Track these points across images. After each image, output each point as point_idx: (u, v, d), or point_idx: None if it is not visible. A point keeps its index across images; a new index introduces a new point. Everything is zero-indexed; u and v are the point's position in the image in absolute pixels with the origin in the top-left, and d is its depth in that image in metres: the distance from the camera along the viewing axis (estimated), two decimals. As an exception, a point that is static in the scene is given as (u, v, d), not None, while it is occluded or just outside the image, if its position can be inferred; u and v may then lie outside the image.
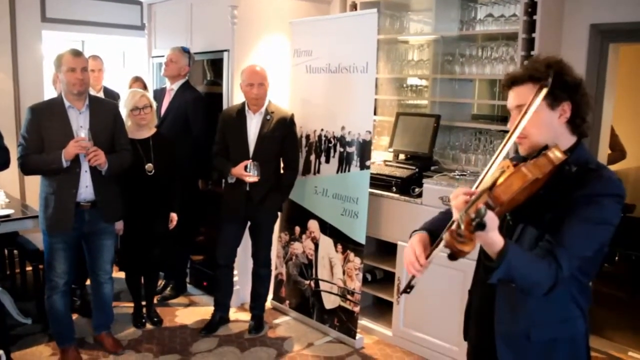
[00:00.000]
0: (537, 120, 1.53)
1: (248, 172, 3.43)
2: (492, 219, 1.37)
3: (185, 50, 4.06)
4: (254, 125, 3.55)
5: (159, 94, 4.21)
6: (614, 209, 1.51)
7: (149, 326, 3.82)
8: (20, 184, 4.66)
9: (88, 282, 3.58)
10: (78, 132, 3.00)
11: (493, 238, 1.41)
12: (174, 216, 3.66)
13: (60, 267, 3.14)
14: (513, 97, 1.60)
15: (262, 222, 3.66)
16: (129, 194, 3.46)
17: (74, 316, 3.62)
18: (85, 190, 3.08)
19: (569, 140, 1.59)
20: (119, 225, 3.44)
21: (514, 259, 1.41)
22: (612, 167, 4.67)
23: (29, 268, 4.05)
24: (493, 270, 1.43)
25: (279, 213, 3.87)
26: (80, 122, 3.07)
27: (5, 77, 4.60)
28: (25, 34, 4.67)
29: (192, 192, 4.14)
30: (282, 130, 3.57)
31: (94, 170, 3.07)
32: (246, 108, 3.57)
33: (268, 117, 3.56)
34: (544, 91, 1.51)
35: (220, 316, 3.83)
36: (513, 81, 1.60)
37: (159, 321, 3.86)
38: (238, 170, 3.45)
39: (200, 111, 3.99)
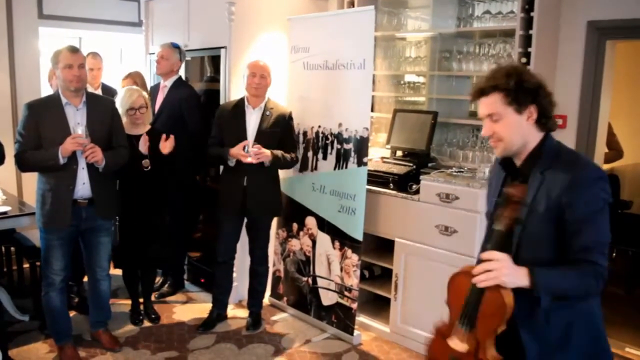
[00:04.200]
0: (507, 125, 1.71)
1: (246, 154, 3.39)
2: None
3: (175, 46, 4.07)
4: (253, 120, 3.54)
5: (154, 90, 4.21)
6: (604, 190, 1.65)
7: (146, 323, 3.82)
8: (18, 181, 4.65)
9: (85, 279, 3.57)
10: (75, 128, 2.99)
11: (516, 283, 1.63)
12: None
13: (57, 264, 3.13)
14: (483, 107, 1.75)
15: (260, 218, 3.66)
16: (126, 190, 3.46)
17: (71, 313, 3.62)
18: (83, 187, 3.08)
19: (537, 137, 1.75)
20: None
21: (546, 283, 1.61)
22: (609, 165, 4.68)
23: (26, 265, 4.04)
24: (539, 299, 1.62)
25: (277, 214, 3.86)
26: (77, 119, 3.06)
27: (1, 74, 4.58)
28: (22, 30, 4.65)
29: (189, 188, 4.14)
30: (280, 127, 3.56)
31: (91, 167, 3.07)
32: (246, 103, 3.56)
33: (267, 113, 3.55)
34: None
35: (218, 313, 3.83)
36: (480, 93, 1.74)
37: (157, 318, 3.86)
38: (236, 150, 3.40)
39: (195, 107, 3.99)
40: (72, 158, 3.01)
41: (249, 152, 3.37)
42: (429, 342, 1.92)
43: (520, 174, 1.77)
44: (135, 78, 4.30)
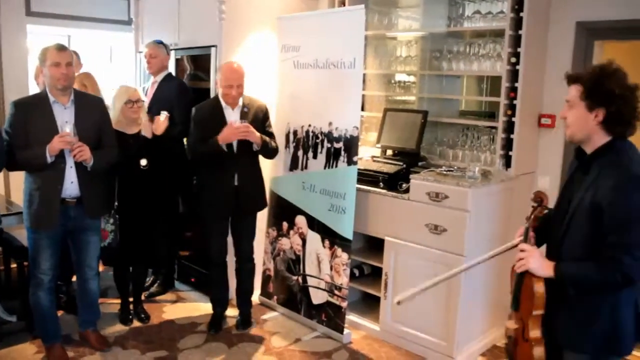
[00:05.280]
0: (576, 116, 1.89)
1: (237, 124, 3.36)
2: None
3: (159, 43, 4.10)
4: (233, 119, 3.48)
5: (145, 91, 4.21)
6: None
7: (136, 323, 3.79)
8: (5, 180, 4.61)
9: (74, 278, 3.55)
10: (63, 127, 2.96)
11: (542, 273, 1.92)
12: None
13: (45, 263, 3.11)
14: (569, 92, 1.92)
15: (248, 216, 3.65)
16: (125, 190, 3.45)
17: (60, 313, 3.59)
18: (71, 186, 3.05)
19: (603, 137, 1.89)
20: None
21: (568, 276, 1.87)
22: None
23: (13, 265, 4.00)
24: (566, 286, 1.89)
25: (264, 206, 3.84)
26: (65, 117, 3.03)
27: (-11, 72, 4.55)
28: (10, 28, 4.61)
29: (180, 186, 4.12)
30: (260, 121, 3.54)
31: (79, 166, 3.04)
32: (223, 104, 3.51)
33: (245, 109, 3.53)
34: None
35: (221, 311, 3.82)
36: (569, 79, 1.94)
37: (146, 318, 3.84)
38: (225, 131, 3.34)
39: (184, 98, 3.97)
40: (60, 157, 2.99)
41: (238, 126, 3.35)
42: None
43: (584, 165, 1.94)
44: (84, 80, 3.99)
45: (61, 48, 3.01)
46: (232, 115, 3.50)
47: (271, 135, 3.61)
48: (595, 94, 1.84)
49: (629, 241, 1.76)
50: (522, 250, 1.98)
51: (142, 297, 4.01)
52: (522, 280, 2.00)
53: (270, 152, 3.60)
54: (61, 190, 3.02)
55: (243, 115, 3.49)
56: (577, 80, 1.88)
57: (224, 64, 3.58)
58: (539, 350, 1.99)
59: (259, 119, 3.54)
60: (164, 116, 3.59)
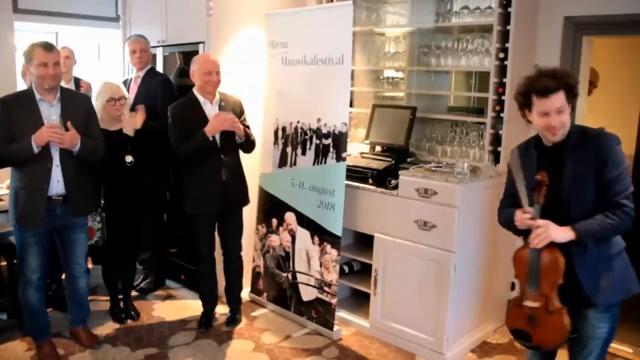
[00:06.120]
0: (567, 115, 2.18)
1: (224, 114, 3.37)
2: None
3: (144, 37, 4.14)
4: (213, 115, 3.46)
5: (126, 85, 4.19)
6: (621, 151, 2.16)
7: (127, 321, 3.79)
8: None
9: (64, 276, 3.54)
10: (49, 122, 2.96)
11: (563, 238, 2.12)
12: None
13: (33, 261, 3.10)
14: (553, 102, 2.14)
15: (234, 213, 3.65)
16: (111, 187, 3.44)
17: (49, 310, 3.58)
18: (57, 184, 3.04)
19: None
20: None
21: (585, 231, 2.10)
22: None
23: (3, 263, 3.99)
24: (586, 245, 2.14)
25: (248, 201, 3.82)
26: (52, 114, 3.02)
27: (-24, 69, 4.52)
28: (-3, 25, 4.59)
29: (167, 181, 4.11)
30: (237, 116, 3.50)
31: (64, 165, 3.03)
32: (201, 99, 3.47)
33: (222, 104, 3.52)
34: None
35: (211, 308, 3.82)
36: (549, 90, 2.14)
37: (136, 315, 3.84)
38: (213, 122, 3.35)
39: (168, 93, 3.97)
40: (47, 156, 2.98)
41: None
42: (508, 315, 2.45)
43: (553, 151, 2.22)
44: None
45: (48, 47, 2.96)
46: (211, 110, 3.48)
47: (249, 128, 3.61)
48: (573, 93, 2.18)
49: (626, 188, 2.11)
50: (537, 227, 2.13)
51: (133, 293, 4.01)
52: (538, 256, 2.17)
53: (251, 145, 3.60)
54: (47, 189, 3.01)
55: (222, 109, 3.48)
56: (558, 88, 2.13)
57: (197, 55, 3.57)
58: (567, 318, 2.18)
59: (237, 113, 3.52)
60: (139, 110, 3.65)
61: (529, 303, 2.23)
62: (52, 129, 2.90)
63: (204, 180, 3.49)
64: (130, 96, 4.04)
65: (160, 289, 4.35)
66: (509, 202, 2.39)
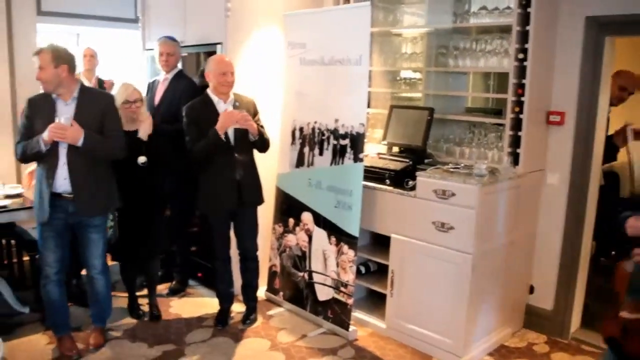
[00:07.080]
0: None
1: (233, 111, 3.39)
2: None
3: (174, 39, 4.14)
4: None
5: (152, 86, 4.23)
6: None
7: (146, 319, 3.83)
8: (17, 175, 4.67)
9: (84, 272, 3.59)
10: (59, 120, 3.01)
11: None
12: None
13: (50, 256, 3.17)
14: None
15: (249, 212, 3.65)
16: (123, 186, 3.48)
17: (70, 305, 3.63)
18: (64, 182, 3.07)
19: None
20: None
21: None
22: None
23: (26, 258, 4.08)
24: None
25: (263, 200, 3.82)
26: (65, 113, 3.07)
27: (1, 70, 4.62)
28: (21, 27, 4.70)
29: (187, 182, 4.14)
30: (252, 115, 3.52)
31: (72, 163, 3.06)
32: (215, 99, 3.49)
33: (237, 104, 3.53)
34: None
35: (228, 306, 3.84)
36: None
37: (158, 316, 3.84)
38: (223, 119, 3.35)
39: (191, 97, 3.98)
40: (54, 154, 3.05)
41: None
42: (604, 326, 2.48)
43: None
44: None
45: (36, 53, 3.05)
46: (225, 109, 3.50)
47: (263, 128, 3.62)
48: None
49: None
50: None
51: (166, 291, 4.08)
52: None
53: (265, 144, 3.61)
54: (52, 184, 3.06)
55: (236, 109, 3.49)
56: None
57: (213, 56, 3.60)
58: None
59: (250, 113, 3.53)
60: (148, 117, 3.63)
61: (626, 314, 2.31)
62: (55, 126, 2.96)
63: (218, 179, 3.51)
64: (157, 98, 4.09)
65: (187, 288, 4.37)
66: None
